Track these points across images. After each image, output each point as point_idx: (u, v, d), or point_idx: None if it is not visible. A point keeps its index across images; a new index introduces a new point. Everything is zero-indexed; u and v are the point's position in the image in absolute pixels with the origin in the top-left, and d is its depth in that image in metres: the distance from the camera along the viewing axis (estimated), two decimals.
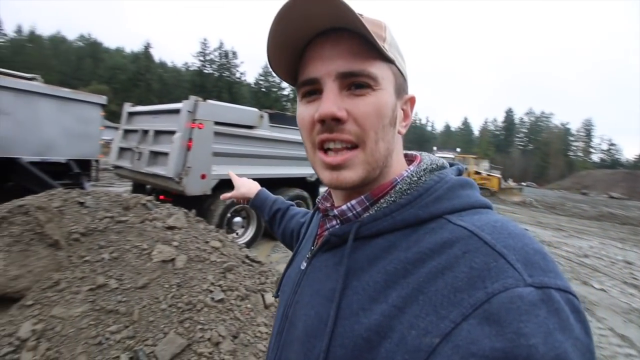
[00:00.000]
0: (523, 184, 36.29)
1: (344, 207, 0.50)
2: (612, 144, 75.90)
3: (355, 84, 0.44)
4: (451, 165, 0.53)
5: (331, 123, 0.44)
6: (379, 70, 0.45)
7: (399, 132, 0.51)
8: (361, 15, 0.46)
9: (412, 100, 0.53)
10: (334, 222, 0.54)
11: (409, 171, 0.50)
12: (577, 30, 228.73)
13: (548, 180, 52.60)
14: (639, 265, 6.25)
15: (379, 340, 0.37)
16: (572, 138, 78.03)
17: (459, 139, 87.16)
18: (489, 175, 19.79)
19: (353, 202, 0.49)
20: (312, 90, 0.47)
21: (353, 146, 0.45)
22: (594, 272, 5.55)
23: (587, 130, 76.73)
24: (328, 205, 0.57)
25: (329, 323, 0.42)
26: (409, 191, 0.46)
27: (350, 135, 0.44)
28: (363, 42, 0.44)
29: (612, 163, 69.69)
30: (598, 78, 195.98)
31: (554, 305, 0.30)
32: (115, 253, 2.22)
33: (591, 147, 76.65)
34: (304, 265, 0.55)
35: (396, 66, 0.48)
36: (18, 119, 5.12)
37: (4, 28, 59.53)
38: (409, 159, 0.56)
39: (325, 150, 0.47)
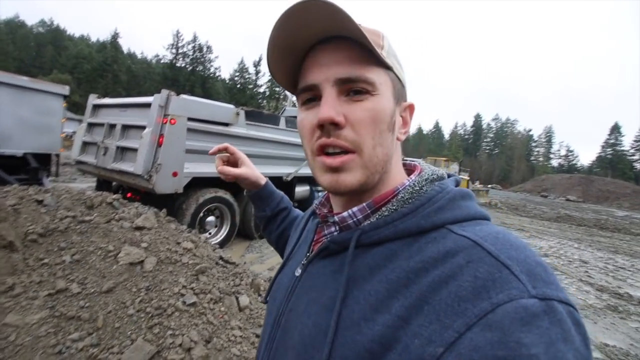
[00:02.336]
0: (489, 186, 37.96)
1: (344, 213, 0.49)
2: (570, 150, 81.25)
3: (354, 90, 0.45)
4: (449, 176, 0.53)
5: (329, 127, 0.44)
6: (376, 76, 0.46)
7: (398, 139, 0.51)
8: (360, 25, 0.46)
9: (411, 108, 0.54)
10: (333, 229, 0.53)
11: (410, 180, 0.50)
12: (543, 41, 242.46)
13: (511, 183, 55.47)
14: (593, 264, 6.72)
15: (383, 352, 0.36)
16: (534, 144, 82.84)
17: (431, 142, 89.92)
18: None
19: (354, 209, 0.48)
20: (312, 97, 0.48)
21: (350, 152, 0.45)
22: (553, 271, 5.89)
23: (548, 136, 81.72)
24: (325, 211, 0.56)
25: (329, 333, 0.41)
26: (410, 200, 0.46)
27: (346, 141, 0.45)
28: (362, 49, 0.45)
29: (569, 168, 74.63)
30: (560, 87, 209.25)
31: (556, 317, 0.31)
32: (77, 255, 2.07)
33: (551, 152, 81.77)
34: (298, 271, 0.54)
35: (394, 73, 0.49)
36: None
37: None
38: (408, 168, 0.56)
39: (325, 154, 0.47)
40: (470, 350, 0.30)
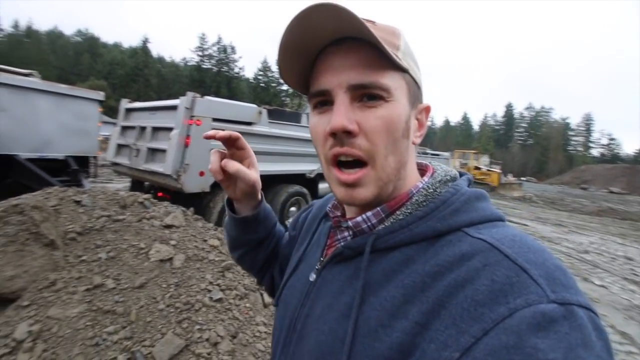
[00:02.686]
0: (523, 179, 36.31)
1: (358, 218, 0.48)
2: (611, 139, 75.90)
3: (367, 95, 0.44)
4: (461, 175, 0.52)
5: (342, 136, 0.44)
6: (391, 80, 0.44)
7: (413, 143, 0.50)
8: (374, 22, 0.45)
9: (427, 110, 0.52)
10: (346, 234, 0.53)
11: (424, 182, 0.49)
12: (577, 25, 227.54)
13: (547, 175, 52.64)
14: (639, 261, 6.26)
15: (402, 359, 0.36)
16: (571, 133, 78.04)
17: (459, 134, 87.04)
18: (489, 170, 19.81)
19: (369, 213, 0.48)
20: (324, 101, 0.47)
21: (363, 163, 0.45)
22: (594, 269, 5.55)
23: (587, 124, 76.72)
24: (338, 214, 0.56)
25: (346, 341, 0.41)
26: (424, 203, 0.46)
27: (360, 150, 0.44)
28: (376, 52, 0.43)
29: (611, 158, 69.72)
30: (598, 72, 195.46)
31: (576, 322, 0.30)
32: (112, 252, 2.19)
33: (591, 141, 76.74)
34: (313, 276, 0.53)
35: (410, 75, 0.47)
36: (15, 116, 5.07)
37: (1, 23, 59.12)
38: (420, 168, 0.55)
39: (339, 166, 0.46)
40: (485, 355, 0.30)
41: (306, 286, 0.53)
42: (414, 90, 0.48)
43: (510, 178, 22.51)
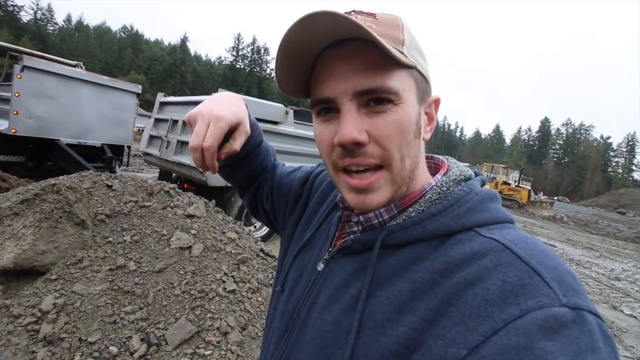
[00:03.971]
0: (555, 198, 34.57)
1: (370, 214, 0.48)
2: None
3: (375, 99, 0.41)
4: (476, 175, 0.51)
5: (352, 147, 0.42)
6: (399, 81, 0.41)
7: (424, 139, 0.48)
8: (374, 16, 0.43)
9: (436, 102, 0.50)
10: (355, 228, 0.51)
11: (437, 180, 0.48)
12: (621, 41, 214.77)
13: (582, 196, 49.90)
14: None
15: (408, 354, 0.36)
16: (612, 153, 73.56)
17: (489, 147, 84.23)
18: (518, 186, 19.02)
19: (381, 209, 0.47)
20: (328, 109, 0.45)
21: (377, 166, 0.43)
22: (625, 297, 5.20)
23: (630, 145, 72.06)
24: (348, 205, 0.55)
25: (351, 333, 0.41)
26: (437, 201, 0.45)
27: (373, 158, 0.42)
28: (379, 51, 0.39)
29: None
30: None
31: (586, 327, 0.30)
32: (136, 236, 2.29)
33: (634, 164, 71.91)
34: (321, 266, 0.53)
35: (418, 70, 0.44)
36: (60, 103, 5.42)
37: (55, 17, 63.38)
38: (435, 163, 0.54)
39: (348, 172, 0.44)
40: (495, 354, 0.30)
41: (313, 275, 0.53)
42: (422, 85, 0.46)
43: (541, 196, 21.51)
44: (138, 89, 6.75)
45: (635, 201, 31.76)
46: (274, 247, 4.78)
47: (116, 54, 65.15)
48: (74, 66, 6.43)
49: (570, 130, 78.87)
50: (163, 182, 3.19)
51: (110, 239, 2.23)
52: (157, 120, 5.79)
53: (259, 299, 2.29)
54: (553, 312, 0.30)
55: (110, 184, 2.77)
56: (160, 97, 5.95)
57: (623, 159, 72.66)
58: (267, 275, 2.57)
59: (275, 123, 5.09)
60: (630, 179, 68.84)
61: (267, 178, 0.78)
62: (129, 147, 6.91)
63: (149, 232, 2.37)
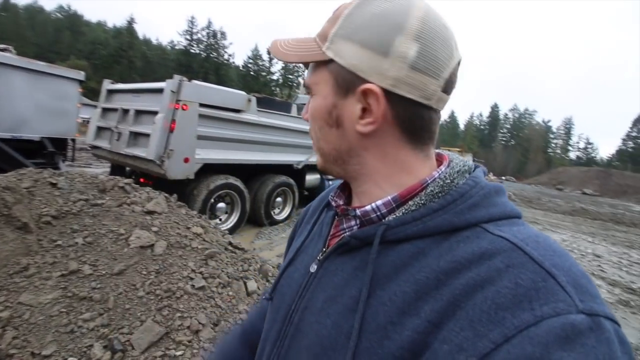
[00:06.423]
0: (503, 178, 37.26)
1: (367, 207, 0.45)
2: (589, 143, 78.71)
3: None
4: (476, 166, 0.49)
5: None
6: (315, 78, 0.48)
7: (359, 132, 0.44)
8: (338, 10, 0.46)
9: (365, 92, 0.42)
10: (352, 223, 0.49)
11: (440, 172, 0.45)
12: (564, 31, 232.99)
13: (526, 176, 54.23)
14: (606, 259, 6.57)
15: (413, 359, 0.34)
16: (552, 136, 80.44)
17: (445, 132, 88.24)
18: None
19: (379, 202, 0.45)
20: None
21: None
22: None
23: (567, 128, 79.28)
24: (341, 203, 0.53)
25: (352, 337, 0.38)
26: (440, 194, 0.42)
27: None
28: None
29: (587, 161, 72.33)
30: (582, 78, 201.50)
31: (604, 335, 0.29)
32: (89, 238, 2.11)
33: (570, 145, 79.37)
34: (314, 267, 0.50)
35: (338, 63, 0.43)
36: None
37: None
38: (436, 159, 0.51)
39: None
40: None
41: (305, 277, 0.50)
42: (343, 77, 0.43)
43: (491, 177, 23.05)
44: (80, 75, 6.17)
45: (571, 178, 35.16)
46: (242, 240, 4.69)
47: (52, 37, 58.79)
48: (3, 50, 5.70)
49: (517, 115, 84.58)
50: (116, 177, 2.96)
51: (60, 242, 2.04)
52: (105, 110, 5.35)
53: (230, 293, 2.23)
54: (570, 319, 0.29)
55: (54, 181, 2.52)
56: (107, 85, 5.49)
57: (561, 140, 79.80)
58: (237, 269, 2.51)
59: (237, 111, 4.91)
60: (567, 158, 75.89)
61: None
62: (73, 140, 6.32)
63: (104, 232, 2.20)
